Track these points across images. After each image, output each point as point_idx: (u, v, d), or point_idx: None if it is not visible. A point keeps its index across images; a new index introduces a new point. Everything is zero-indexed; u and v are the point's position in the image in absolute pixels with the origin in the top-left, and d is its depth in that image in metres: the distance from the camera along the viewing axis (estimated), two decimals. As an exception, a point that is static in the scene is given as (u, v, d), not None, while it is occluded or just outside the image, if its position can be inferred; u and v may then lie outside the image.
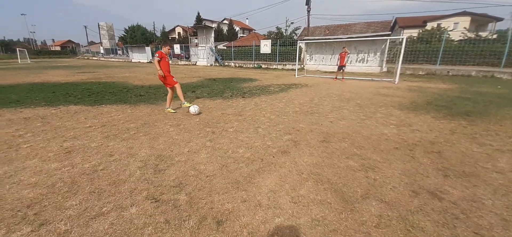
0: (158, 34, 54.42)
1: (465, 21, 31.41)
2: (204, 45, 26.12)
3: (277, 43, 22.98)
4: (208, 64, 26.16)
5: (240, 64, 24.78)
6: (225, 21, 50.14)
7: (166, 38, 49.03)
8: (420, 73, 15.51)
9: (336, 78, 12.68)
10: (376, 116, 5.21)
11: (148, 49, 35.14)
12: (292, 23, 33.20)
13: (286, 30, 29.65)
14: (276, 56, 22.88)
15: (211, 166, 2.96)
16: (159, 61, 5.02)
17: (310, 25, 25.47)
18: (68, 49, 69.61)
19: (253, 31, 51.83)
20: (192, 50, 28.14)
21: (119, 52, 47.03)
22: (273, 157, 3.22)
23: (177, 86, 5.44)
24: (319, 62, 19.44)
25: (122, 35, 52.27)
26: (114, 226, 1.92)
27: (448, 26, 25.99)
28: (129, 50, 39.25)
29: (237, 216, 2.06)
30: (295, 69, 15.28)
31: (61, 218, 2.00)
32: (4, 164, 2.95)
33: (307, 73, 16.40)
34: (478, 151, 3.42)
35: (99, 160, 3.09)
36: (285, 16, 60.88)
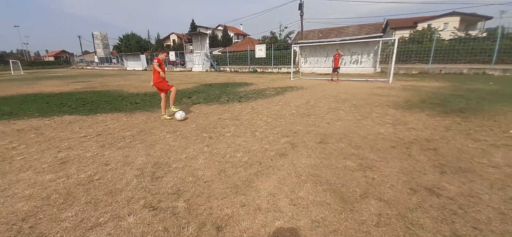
0: (153, 42, 54.45)
1: (455, 21, 32.19)
2: (199, 51, 26.17)
3: (271, 47, 23.16)
4: (204, 70, 26.17)
5: (235, 69, 24.86)
6: (219, 27, 50.40)
7: (162, 45, 49.01)
8: (413, 72, 15.74)
9: (331, 80, 12.79)
10: (372, 116, 5.25)
11: (143, 57, 35.02)
12: (285, 27, 33.66)
13: (280, 34, 29.96)
14: (271, 60, 23.03)
15: (209, 171, 2.94)
16: (159, 66, 5.15)
17: (303, 29, 25.75)
18: (62, 59, 68.88)
19: (248, 36, 52.10)
20: (187, 57, 28.15)
21: (114, 60, 46.81)
22: (271, 160, 3.21)
23: (173, 89, 5.46)
24: (313, 65, 19.61)
25: (117, 44, 52.17)
26: None
27: (439, 26, 26.55)
28: (123, 59, 39.05)
29: (237, 221, 2.04)
30: (290, 72, 15.38)
31: (57, 231, 1.96)
32: (-3, 177, 2.88)
33: (302, 76, 16.52)
34: (473, 147, 3.46)
35: (95, 169, 3.04)
36: (279, 21, 61.33)
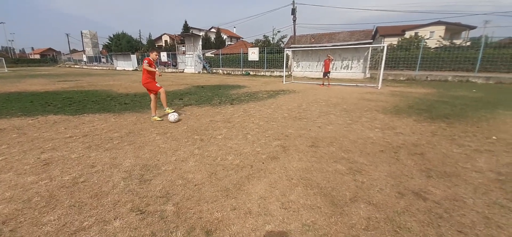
0: (144, 42, 53.63)
1: (440, 30, 33.46)
2: (192, 52, 25.97)
3: (264, 50, 23.28)
4: (196, 72, 25.97)
5: (228, 72, 24.79)
6: (212, 30, 50.28)
7: (153, 45, 48.36)
8: (401, 78, 16.19)
9: (322, 84, 12.97)
10: (361, 121, 5.35)
11: (133, 57, 34.40)
12: (278, 31, 33.89)
13: (273, 38, 30.19)
14: (264, 63, 23.13)
15: (200, 174, 2.89)
16: (150, 66, 5.12)
17: (296, 34, 26.06)
18: (49, 57, 66.66)
19: (241, 39, 52.24)
20: (180, 58, 27.87)
21: (103, 60, 45.77)
22: (263, 163, 3.20)
23: (162, 91, 5.38)
24: (305, 69, 19.84)
25: (107, 43, 51.06)
26: (96, 241, 1.81)
27: (425, 35, 27.45)
28: (113, 58, 38.23)
29: (227, 225, 2.01)
30: (282, 76, 15.48)
31: (38, 235, 1.87)
32: (-26, 179, 2.73)
33: (294, 79, 16.67)
34: (458, 152, 3.57)
35: (80, 171, 2.94)
36: (272, 25, 61.88)
